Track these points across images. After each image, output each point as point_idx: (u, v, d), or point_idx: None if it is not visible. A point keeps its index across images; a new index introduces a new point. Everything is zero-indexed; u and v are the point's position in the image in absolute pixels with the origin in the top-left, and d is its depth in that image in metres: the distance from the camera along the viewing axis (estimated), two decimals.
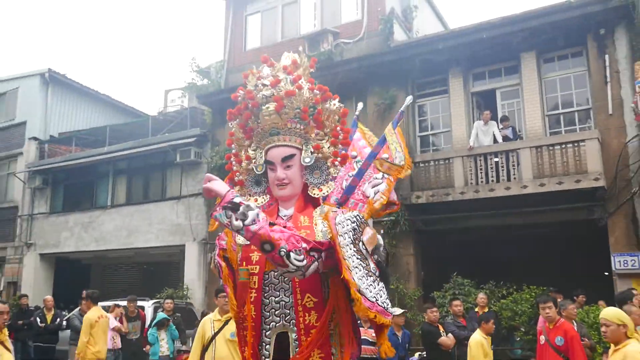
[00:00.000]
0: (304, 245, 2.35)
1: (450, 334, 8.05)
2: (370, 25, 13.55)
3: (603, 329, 4.60)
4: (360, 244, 2.64)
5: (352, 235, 2.59)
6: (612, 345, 4.59)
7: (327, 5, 14.54)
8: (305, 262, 2.34)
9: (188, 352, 9.42)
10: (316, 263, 2.42)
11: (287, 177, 2.77)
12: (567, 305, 7.38)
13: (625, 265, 9.90)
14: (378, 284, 2.56)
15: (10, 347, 5.47)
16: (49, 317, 11.08)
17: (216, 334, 5.56)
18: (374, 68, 12.59)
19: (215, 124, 15.38)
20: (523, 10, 11.59)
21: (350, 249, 2.53)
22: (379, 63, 12.38)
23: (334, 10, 14.40)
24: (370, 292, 2.47)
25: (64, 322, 11.13)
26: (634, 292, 7.88)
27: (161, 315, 9.97)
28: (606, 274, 10.55)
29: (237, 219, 2.27)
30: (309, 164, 2.81)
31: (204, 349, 5.58)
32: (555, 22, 11.13)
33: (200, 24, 63.89)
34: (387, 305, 2.54)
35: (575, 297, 9.31)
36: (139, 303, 11.19)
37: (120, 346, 10.48)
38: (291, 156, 2.79)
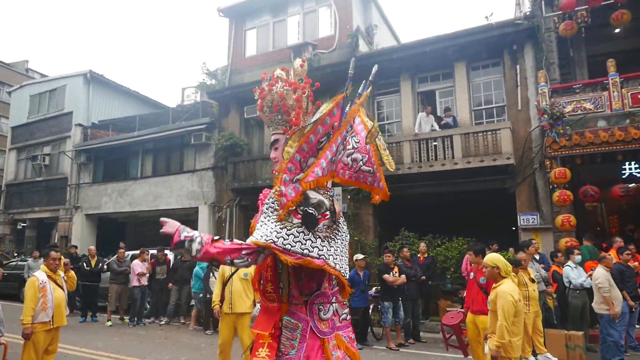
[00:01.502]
0: (244, 252, 2.40)
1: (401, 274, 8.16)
2: (340, 39, 13.35)
3: (483, 270, 4.61)
4: (274, 215, 2.56)
5: (271, 212, 2.57)
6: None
7: (308, 23, 14.27)
8: (248, 260, 2.43)
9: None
10: (262, 254, 2.46)
11: (276, 157, 2.82)
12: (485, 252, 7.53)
13: (527, 222, 10.12)
14: (300, 234, 2.47)
15: (63, 284, 5.41)
16: (93, 262, 10.92)
17: (233, 273, 5.66)
18: (343, 73, 12.35)
19: (221, 115, 15.14)
20: (456, 30, 11.51)
21: (271, 228, 2.47)
22: (347, 69, 12.13)
23: (313, 26, 14.14)
24: (292, 245, 2.43)
25: (105, 266, 10.99)
26: (533, 241, 8.09)
27: None
28: (514, 228, 10.79)
29: (186, 252, 2.39)
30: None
31: (224, 285, 5.67)
32: (480, 39, 11.11)
33: (209, 36, 62.25)
34: (306, 250, 2.43)
35: (490, 247, 9.49)
36: (166, 251, 11.10)
37: (146, 284, 10.44)
38: (275, 141, 2.86)
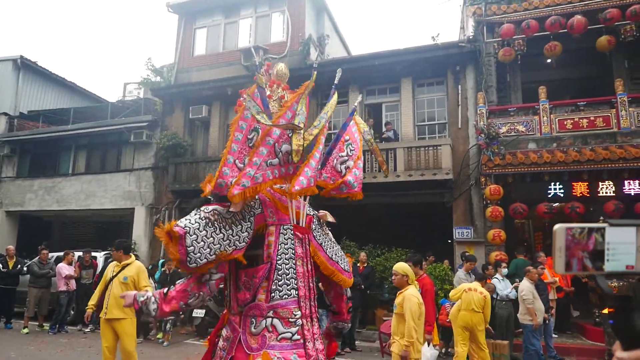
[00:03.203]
0: (189, 289, 2.38)
1: None
2: (292, 46, 13.37)
3: (393, 277, 4.85)
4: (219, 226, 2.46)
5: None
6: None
7: (260, 27, 14.18)
8: (202, 294, 2.41)
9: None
10: (212, 281, 2.41)
11: None
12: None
13: (462, 235, 10.57)
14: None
15: None
16: (10, 263, 10.03)
17: (113, 277, 5.48)
18: (294, 80, 12.29)
19: (165, 113, 14.60)
20: (405, 47, 11.89)
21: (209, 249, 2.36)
22: (297, 76, 11.94)
23: (265, 31, 14.07)
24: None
25: (25, 268, 10.14)
26: (467, 253, 8.47)
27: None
28: (449, 241, 11.23)
29: (149, 315, 2.51)
30: None
31: (105, 288, 5.48)
32: (426, 58, 11.55)
33: (156, 31, 60.08)
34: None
35: (427, 257, 9.83)
36: (92, 254, 10.45)
37: (74, 288, 9.79)
38: None
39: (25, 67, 17.98)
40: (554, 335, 8.08)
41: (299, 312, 2.57)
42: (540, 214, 9.68)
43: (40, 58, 51.61)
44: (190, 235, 2.24)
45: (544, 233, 11.84)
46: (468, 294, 6.46)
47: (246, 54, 13.41)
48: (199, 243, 2.25)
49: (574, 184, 9.60)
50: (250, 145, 2.51)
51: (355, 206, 12.84)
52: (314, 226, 2.85)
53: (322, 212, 3.06)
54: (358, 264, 9.72)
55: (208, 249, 2.28)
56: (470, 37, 11.27)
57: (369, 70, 11.94)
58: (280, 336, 2.48)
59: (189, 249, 2.22)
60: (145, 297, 2.39)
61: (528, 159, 9.61)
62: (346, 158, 2.98)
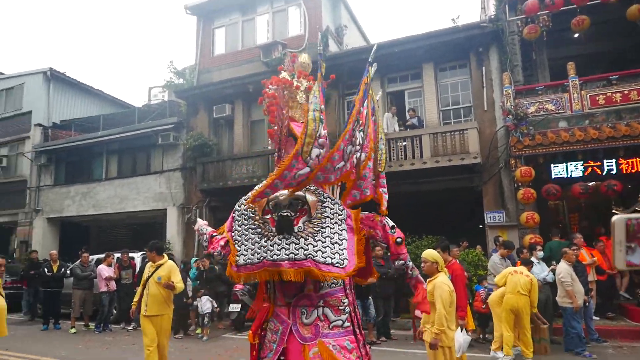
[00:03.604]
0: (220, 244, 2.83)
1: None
2: (310, 38, 13.36)
3: (422, 265, 4.74)
4: (250, 219, 2.68)
5: (245, 220, 2.72)
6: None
7: (277, 22, 14.22)
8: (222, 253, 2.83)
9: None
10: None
11: None
12: (452, 249, 7.70)
13: (494, 219, 10.40)
14: (267, 240, 2.48)
15: (2, 293, 5.01)
16: (55, 267, 10.52)
17: (149, 277, 5.84)
18: (313, 72, 12.39)
19: (189, 114, 14.88)
20: (424, 32, 11.71)
21: (240, 236, 2.68)
22: (316, 69, 12.17)
23: (283, 26, 14.10)
24: (255, 253, 2.54)
25: (68, 271, 10.60)
26: (500, 238, 8.34)
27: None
28: (481, 226, 11.07)
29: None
30: None
31: (143, 287, 5.86)
32: (447, 41, 11.33)
33: (177, 34, 61.04)
34: (264, 256, 2.45)
35: (460, 243, 9.73)
36: (130, 255, 10.81)
37: (115, 289, 10.15)
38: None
39: (55, 78, 18.62)
40: (594, 318, 7.88)
41: (347, 300, 2.63)
42: (575, 194, 9.41)
43: (67, 69, 53.30)
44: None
45: (580, 214, 11.51)
46: (514, 277, 6.38)
47: (265, 50, 13.49)
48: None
49: (609, 161, 9.28)
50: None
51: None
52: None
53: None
54: (389, 253, 9.66)
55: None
56: (492, 17, 10.98)
57: (390, 57, 11.79)
58: (332, 324, 2.53)
59: None
60: (204, 233, 3.06)
61: (559, 138, 9.34)
62: (358, 148, 2.73)
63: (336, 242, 2.43)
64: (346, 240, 2.45)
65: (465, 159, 10.29)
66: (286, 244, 2.39)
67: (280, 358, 2.58)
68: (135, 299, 5.96)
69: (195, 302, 9.10)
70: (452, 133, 10.64)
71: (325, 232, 2.45)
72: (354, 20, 16.26)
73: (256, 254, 2.47)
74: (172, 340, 8.58)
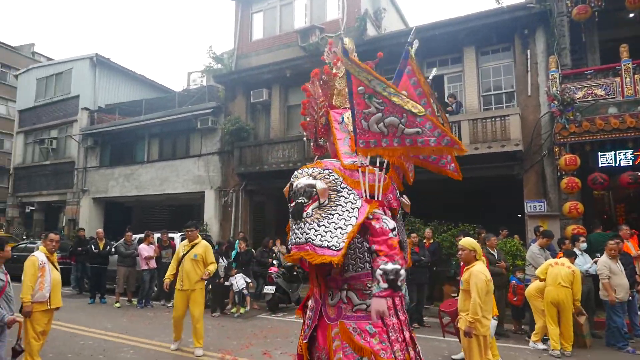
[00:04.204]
0: None
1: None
2: (348, 22, 13.22)
3: (459, 252, 4.74)
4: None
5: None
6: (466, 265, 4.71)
7: (315, 6, 14.13)
8: None
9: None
10: None
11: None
12: (490, 238, 7.57)
13: (534, 209, 10.11)
14: (293, 226, 2.53)
15: (58, 267, 5.48)
16: (101, 245, 11.08)
17: (185, 254, 6.41)
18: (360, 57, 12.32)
19: (228, 99, 15.13)
20: (466, 14, 11.35)
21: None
22: (355, 53, 12.09)
23: (320, 10, 14.00)
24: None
25: (112, 249, 11.15)
26: (541, 228, 8.10)
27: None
28: (520, 215, 10.77)
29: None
30: None
31: (178, 264, 6.43)
32: (490, 23, 10.95)
33: (215, 20, 61.78)
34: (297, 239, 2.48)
35: (500, 232, 9.54)
36: (170, 235, 11.22)
37: (155, 267, 10.58)
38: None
39: (100, 63, 19.37)
40: None
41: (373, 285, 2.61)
42: (623, 184, 8.97)
43: (112, 54, 55.17)
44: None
45: (627, 204, 10.98)
46: (554, 269, 6.22)
47: (303, 34, 13.47)
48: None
49: None
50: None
51: (419, 182, 12.67)
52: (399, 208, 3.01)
53: (407, 202, 3.09)
54: (424, 241, 9.62)
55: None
56: None
57: (429, 41, 11.47)
58: (355, 307, 2.57)
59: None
60: None
61: (608, 125, 8.90)
62: (380, 115, 2.55)
63: (339, 227, 2.43)
64: (352, 226, 2.44)
65: (506, 146, 10.00)
66: (296, 229, 2.48)
67: (314, 334, 2.72)
68: (170, 272, 6.46)
69: (228, 282, 9.38)
70: (493, 119, 10.35)
71: (332, 219, 2.46)
72: (392, 3, 15.95)
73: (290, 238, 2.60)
74: (209, 318, 8.92)
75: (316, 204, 2.53)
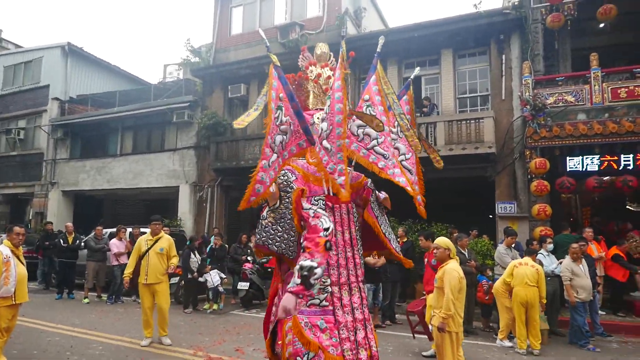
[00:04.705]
0: None
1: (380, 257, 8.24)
2: (329, 21, 13.26)
3: (435, 251, 4.88)
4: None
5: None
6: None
7: (296, 3, 14.10)
8: None
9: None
10: None
11: None
12: (463, 238, 7.74)
13: (505, 210, 10.38)
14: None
15: (24, 261, 5.32)
16: (70, 239, 10.81)
17: (149, 248, 6.54)
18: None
19: (205, 93, 14.97)
20: (444, 17, 11.55)
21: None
22: (334, 51, 12.04)
23: (301, 7, 13.99)
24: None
25: (82, 244, 10.89)
26: (510, 228, 8.34)
27: None
28: (491, 216, 11.04)
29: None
30: None
31: (140, 259, 6.52)
32: (468, 27, 11.17)
33: (193, 12, 60.86)
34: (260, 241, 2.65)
35: (470, 232, 9.74)
36: (142, 229, 11.03)
37: (126, 262, 10.36)
38: None
39: (72, 53, 18.78)
40: (601, 312, 7.90)
41: (329, 280, 2.64)
42: (589, 188, 9.32)
43: (85, 44, 53.69)
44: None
45: (593, 208, 11.41)
46: (520, 269, 6.40)
47: (283, 30, 13.43)
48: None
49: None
50: (277, 124, 2.72)
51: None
52: (372, 198, 3.02)
53: (384, 195, 3.13)
54: (398, 239, 9.73)
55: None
56: (516, 3, 10.76)
57: (408, 42, 11.69)
58: (309, 302, 2.59)
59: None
60: None
61: (577, 131, 9.22)
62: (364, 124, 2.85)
63: (290, 234, 2.61)
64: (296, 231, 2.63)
65: (480, 148, 10.23)
66: (257, 230, 2.67)
67: (275, 330, 2.84)
68: (129, 270, 6.52)
69: (202, 278, 9.29)
70: (468, 121, 10.57)
71: (282, 222, 2.59)
72: (373, 3, 16.06)
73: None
74: (181, 314, 8.85)
75: (269, 207, 2.67)
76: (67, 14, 61.15)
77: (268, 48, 3.05)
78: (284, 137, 2.61)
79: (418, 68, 3.85)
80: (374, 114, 2.86)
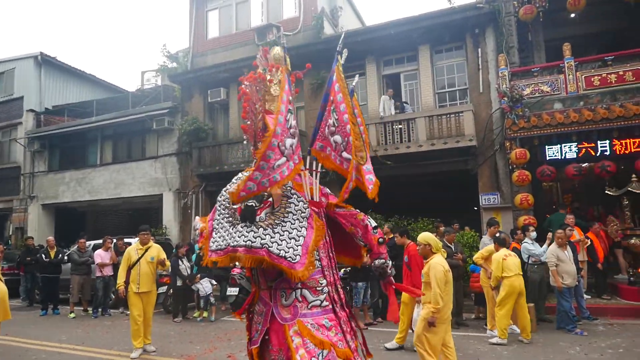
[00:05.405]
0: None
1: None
2: (305, 21, 13.24)
3: (417, 247, 5.06)
4: (226, 209, 2.80)
5: (223, 210, 2.82)
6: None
7: (272, 4, 14.05)
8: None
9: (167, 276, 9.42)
10: None
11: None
12: (450, 233, 7.80)
13: (488, 201, 10.51)
14: (244, 228, 2.59)
15: (2, 278, 5.10)
16: (52, 253, 10.55)
17: (140, 257, 6.59)
18: (308, 55, 12.22)
19: (184, 99, 14.80)
20: (420, 13, 11.63)
21: (218, 224, 2.77)
22: (312, 51, 12.10)
23: (277, 8, 13.94)
24: (236, 240, 2.58)
25: (65, 257, 10.65)
26: (494, 219, 8.44)
27: None
28: (475, 208, 11.17)
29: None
30: None
31: (130, 268, 6.54)
32: (443, 23, 11.27)
33: (169, 17, 60.17)
34: (249, 242, 2.53)
35: (452, 226, 9.82)
36: (126, 240, 10.85)
37: (110, 274, 10.15)
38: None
39: (46, 62, 18.39)
40: (586, 296, 8.05)
41: (325, 281, 2.76)
42: (569, 175, 9.51)
43: (59, 53, 52.62)
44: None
45: (574, 195, 11.64)
46: (507, 260, 6.45)
47: (260, 32, 13.37)
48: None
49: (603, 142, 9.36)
50: (289, 126, 2.64)
51: (379, 178, 12.88)
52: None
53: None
54: (385, 236, 9.76)
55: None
56: None
57: (385, 39, 11.74)
58: (310, 304, 2.67)
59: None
60: (197, 228, 2.97)
61: (554, 120, 9.39)
62: (333, 129, 2.95)
63: (293, 238, 2.56)
64: (304, 237, 2.58)
65: (461, 141, 10.34)
66: (246, 231, 2.55)
67: (265, 337, 2.74)
68: (121, 280, 6.55)
69: (194, 286, 9.17)
70: (448, 116, 10.67)
71: (285, 226, 2.58)
72: (349, 1, 16.09)
73: (224, 240, 2.63)
74: (170, 323, 8.73)
75: (269, 209, 2.67)
76: (39, 23, 59.85)
77: (285, 49, 3.04)
78: (293, 140, 2.63)
79: (357, 77, 3.91)
80: (336, 117, 2.92)
